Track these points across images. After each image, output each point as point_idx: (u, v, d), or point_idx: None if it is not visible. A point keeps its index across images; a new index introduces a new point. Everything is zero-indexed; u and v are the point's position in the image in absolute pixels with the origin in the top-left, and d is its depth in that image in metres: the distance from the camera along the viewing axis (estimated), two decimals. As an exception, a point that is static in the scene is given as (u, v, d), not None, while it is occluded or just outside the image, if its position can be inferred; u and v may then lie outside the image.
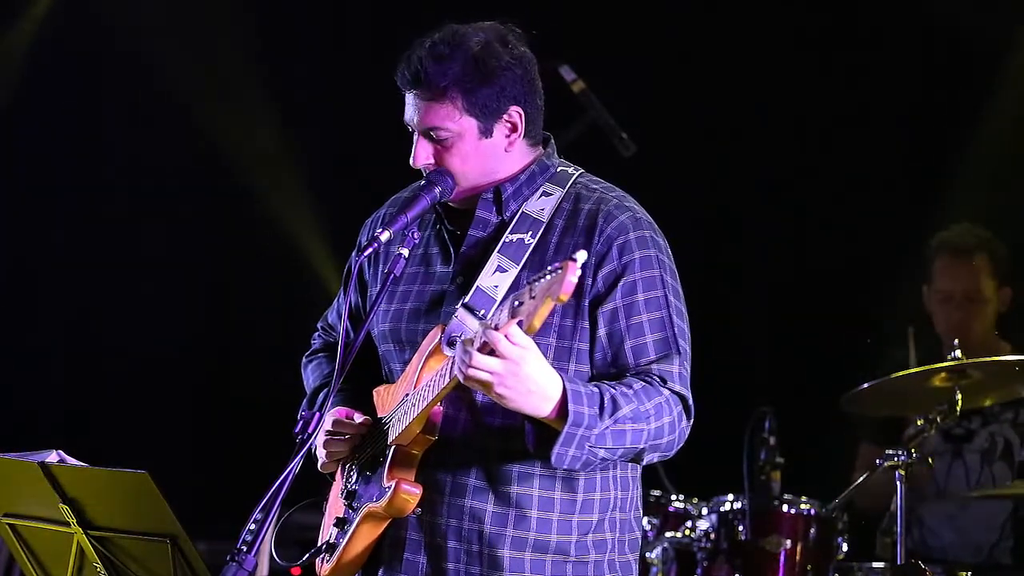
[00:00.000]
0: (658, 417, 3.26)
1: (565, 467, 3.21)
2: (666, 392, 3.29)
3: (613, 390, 3.23)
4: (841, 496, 5.27)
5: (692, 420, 3.34)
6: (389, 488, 3.30)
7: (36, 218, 7.42)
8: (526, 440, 3.24)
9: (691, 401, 3.33)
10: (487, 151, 3.40)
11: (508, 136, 3.41)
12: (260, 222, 7.33)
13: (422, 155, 3.41)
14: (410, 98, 3.40)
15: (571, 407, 3.15)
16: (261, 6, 7.42)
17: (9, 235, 7.35)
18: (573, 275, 2.92)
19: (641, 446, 3.25)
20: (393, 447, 3.33)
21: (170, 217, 7.41)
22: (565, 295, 2.92)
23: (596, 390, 3.21)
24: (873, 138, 6.81)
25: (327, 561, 3.43)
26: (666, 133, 6.72)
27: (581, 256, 2.94)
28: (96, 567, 3.32)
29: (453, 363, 3.15)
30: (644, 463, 3.36)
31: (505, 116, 3.39)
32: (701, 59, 6.86)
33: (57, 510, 3.30)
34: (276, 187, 7.47)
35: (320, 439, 3.46)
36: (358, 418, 3.45)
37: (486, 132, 3.39)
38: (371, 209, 3.69)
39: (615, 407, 3.21)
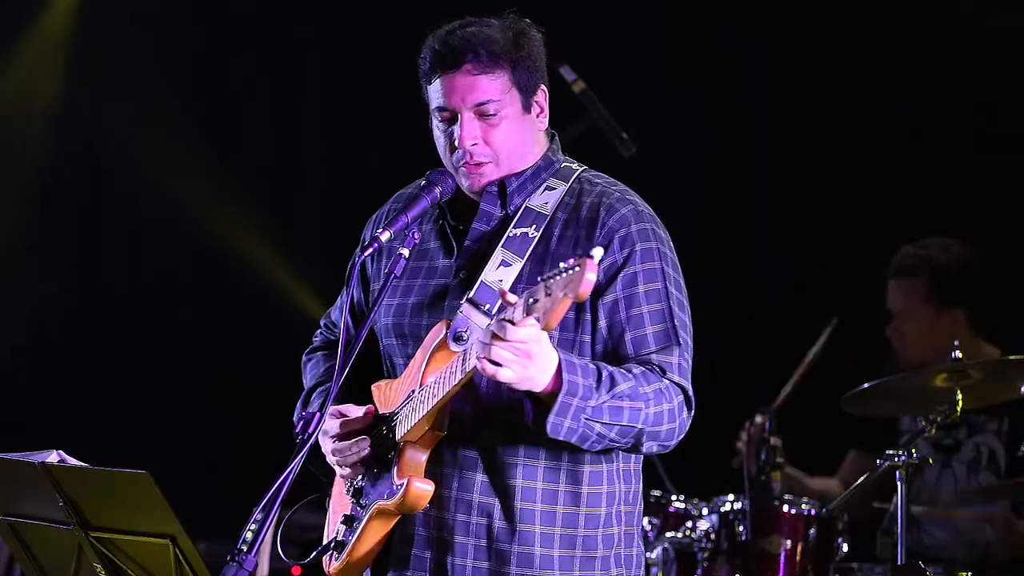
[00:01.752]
0: (657, 403, 3.25)
1: (561, 438, 3.20)
2: (666, 381, 3.28)
3: (611, 368, 3.23)
4: (841, 496, 5.28)
5: (693, 412, 3.34)
6: (401, 486, 3.30)
7: (38, 219, 7.43)
8: (525, 415, 3.23)
9: (692, 392, 3.33)
10: (526, 129, 3.42)
11: (538, 116, 3.44)
12: (260, 225, 7.34)
13: (471, 133, 3.37)
14: (449, 79, 3.36)
15: (565, 376, 3.14)
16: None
17: (11, 235, 7.35)
18: (592, 273, 2.91)
19: (639, 426, 3.24)
20: (402, 444, 3.33)
21: (171, 217, 7.41)
22: (585, 293, 2.92)
23: (593, 365, 3.21)
24: (874, 138, 6.80)
25: (336, 559, 3.43)
26: (666, 133, 6.72)
27: (598, 253, 2.93)
28: (96, 567, 3.32)
29: (464, 358, 3.15)
30: (643, 452, 3.34)
31: (536, 95, 3.42)
32: (701, 59, 6.86)
33: (57, 510, 3.30)
34: (275, 194, 7.51)
35: (328, 446, 3.43)
36: (355, 412, 3.42)
37: (527, 108, 3.41)
38: (362, 214, 3.70)
39: (613, 383, 3.20)
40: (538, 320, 3.00)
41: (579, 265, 2.92)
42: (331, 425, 3.43)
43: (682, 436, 3.33)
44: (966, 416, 5.52)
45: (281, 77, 7.57)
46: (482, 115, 3.37)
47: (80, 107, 7.25)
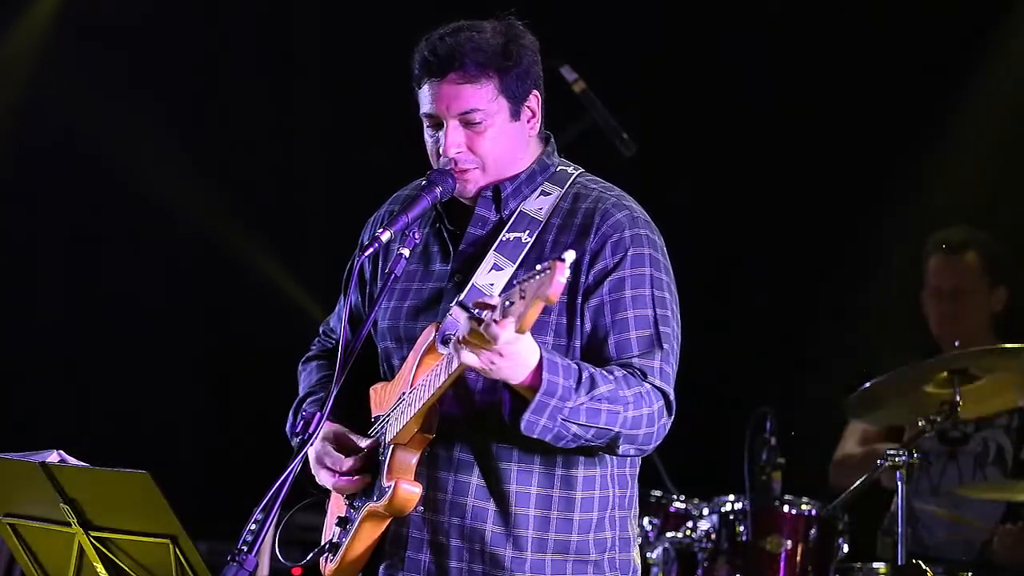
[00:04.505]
0: (637, 407, 3.24)
1: (536, 436, 3.19)
2: (647, 385, 3.27)
3: (592, 369, 3.22)
4: (842, 496, 5.27)
5: (673, 418, 3.32)
6: (389, 488, 3.30)
7: (37, 218, 7.43)
8: (502, 410, 3.24)
9: (673, 398, 3.31)
10: (515, 135, 3.40)
11: (529, 122, 3.42)
12: (260, 226, 7.36)
13: (455, 142, 3.37)
14: (436, 86, 3.36)
15: (545, 376, 3.13)
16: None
17: (12, 232, 7.35)
18: (562, 275, 2.90)
19: (616, 430, 3.23)
20: (392, 446, 3.33)
21: (172, 217, 7.42)
22: (554, 296, 2.91)
23: (575, 365, 3.21)
24: (874, 138, 6.80)
25: (331, 560, 3.44)
26: (666, 133, 6.72)
27: (569, 256, 2.92)
28: (96, 567, 3.32)
29: (449, 361, 3.15)
30: (620, 454, 3.33)
31: (527, 101, 3.40)
32: (701, 59, 6.86)
33: (57, 510, 3.30)
34: (276, 194, 7.52)
35: (327, 480, 3.42)
36: (362, 443, 3.41)
37: (515, 115, 3.40)
38: (365, 208, 3.69)
39: (593, 384, 3.19)
40: (514, 323, 2.98)
41: (549, 268, 2.91)
42: (333, 461, 3.41)
43: (660, 441, 3.32)
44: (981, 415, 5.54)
45: (280, 75, 7.58)
46: (468, 123, 3.37)
47: (78, 104, 7.25)
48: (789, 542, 5.36)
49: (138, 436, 7.12)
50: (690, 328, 3.44)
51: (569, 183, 3.45)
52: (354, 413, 3.50)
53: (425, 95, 3.39)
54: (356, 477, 3.39)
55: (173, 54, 7.37)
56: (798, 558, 5.36)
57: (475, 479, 3.34)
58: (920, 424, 4.98)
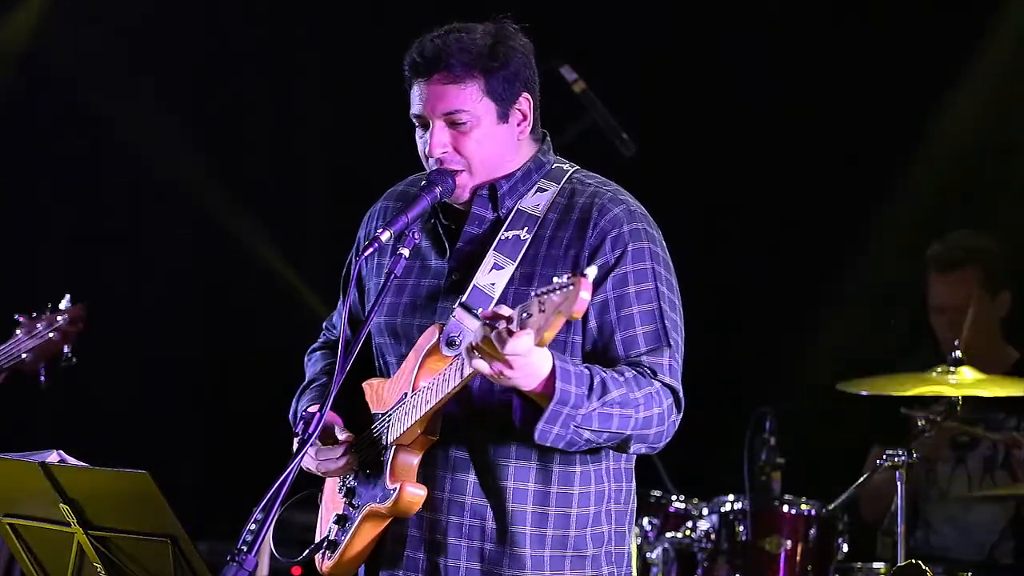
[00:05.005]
0: (647, 407, 3.25)
1: (548, 444, 3.20)
2: (657, 384, 3.28)
3: (604, 373, 3.22)
4: (842, 496, 5.27)
5: (682, 413, 3.33)
6: (394, 491, 3.30)
7: (36, 214, 7.43)
8: (512, 415, 3.23)
9: (682, 394, 3.32)
10: (502, 138, 3.40)
11: (519, 124, 3.42)
12: (258, 226, 7.35)
13: (440, 142, 3.38)
14: (423, 87, 3.37)
15: (558, 384, 3.13)
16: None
17: (12, 232, 7.35)
18: (586, 291, 2.89)
19: (628, 433, 3.24)
20: (394, 447, 3.33)
21: (171, 221, 7.42)
22: (579, 312, 2.91)
23: (586, 371, 3.20)
24: (874, 138, 6.80)
25: (328, 558, 3.44)
26: (666, 133, 6.72)
27: (592, 272, 2.92)
28: (96, 567, 3.32)
29: (462, 365, 3.15)
30: (631, 452, 3.34)
31: (516, 104, 3.40)
32: (701, 59, 6.86)
33: (57, 510, 3.30)
34: (277, 192, 7.51)
35: (311, 463, 3.43)
36: (340, 436, 3.43)
37: (503, 117, 3.39)
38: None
39: (604, 390, 3.20)
40: (533, 334, 2.98)
41: (573, 284, 2.90)
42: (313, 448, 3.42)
43: (671, 437, 3.33)
44: (985, 414, 5.53)
45: (280, 75, 7.58)
46: (453, 124, 3.37)
47: (78, 104, 7.24)
48: (789, 542, 5.37)
49: (138, 436, 7.11)
50: (690, 328, 3.45)
51: (565, 179, 3.45)
52: (352, 411, 3.50)
53: (414, 96, 3.40)
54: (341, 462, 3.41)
55: (173, 54, 7.37)
56: (798, 558, 5.37)
57: (472, 477, 3.35)
58: (920, 424, 4.98)
